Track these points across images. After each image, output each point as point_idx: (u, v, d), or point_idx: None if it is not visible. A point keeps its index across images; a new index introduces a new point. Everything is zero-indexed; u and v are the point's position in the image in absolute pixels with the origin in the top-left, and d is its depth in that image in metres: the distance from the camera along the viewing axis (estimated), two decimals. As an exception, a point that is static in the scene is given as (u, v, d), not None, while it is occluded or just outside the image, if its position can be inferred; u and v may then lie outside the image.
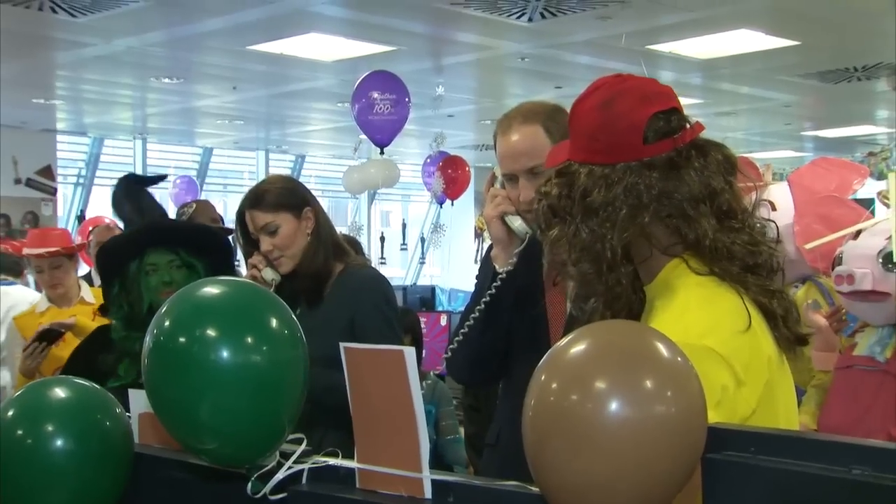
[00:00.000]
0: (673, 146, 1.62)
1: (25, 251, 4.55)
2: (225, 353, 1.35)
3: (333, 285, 2.72)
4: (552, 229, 1.67)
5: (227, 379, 1.35)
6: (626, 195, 1.60)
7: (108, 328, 2.78)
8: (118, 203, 2.79)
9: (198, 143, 14.56)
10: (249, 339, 1.38)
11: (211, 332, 1.37)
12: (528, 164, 2.22)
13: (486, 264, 2.39)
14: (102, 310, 2.86)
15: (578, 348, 1.19)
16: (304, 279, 2.68)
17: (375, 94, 7.60)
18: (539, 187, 1.73)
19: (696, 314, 1.55)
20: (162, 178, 3.08)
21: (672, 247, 1.63)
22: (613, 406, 1.11)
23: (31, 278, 5.56)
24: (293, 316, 1.46)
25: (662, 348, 1.19)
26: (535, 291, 2.33)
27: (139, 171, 13.70)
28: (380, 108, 7.57)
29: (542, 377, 1.19)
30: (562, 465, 1.14)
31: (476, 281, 2.46)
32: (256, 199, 2.73)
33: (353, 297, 2.67)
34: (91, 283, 4.84)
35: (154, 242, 2.69)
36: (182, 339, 1.37)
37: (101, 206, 14.10)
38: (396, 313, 2.80)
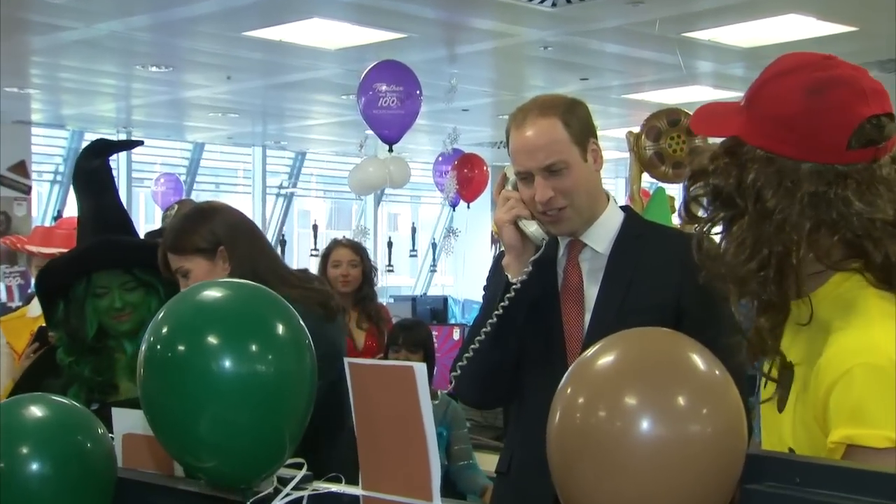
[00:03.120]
0: (874, 156, 1.50)
1: (30, 248, 4.57)
2: (227, 363, 1.36)
3: None
4: (716, 215, 1.57)
5: (229, 390, 1.36)
6: (811, 206, 1.49)
7: (54, 347, 2.76)
8: (80, 183, 2.72)
9: (188, 137, 14.60)
10: (254, 347, 1.39)
11: (212, 340, 1.38)
12: (546, 160, 2.23)
13: (496, 273, 2.40)
14: (40, 335, 2.83)
15: (606, 360, 1.20)
16: None
17: (382, 87, 7.61)
18: (698, 160, 1.61)
19: (883, 330, 1.46)
20: (138, 143, 3.00)
21: (843, 261, 1.53)
22: (644, 424, 1.12)
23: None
24: (301, 322, 1.46)
25: (699, 360, 1.19)
26: (550, 303, 2.33)
27: (123, 170, 13.77)
28: (385, 102, 7.59)
29: (568, 391, 1.20)
30: (589, 488, 1.14)
31: (485, 291, 2.46)
32: (169, 240, 2.70)
33: None
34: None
35: (101, 265, 2.66)
36: (181, 347, 1.39)
37: (81, 207, 14.15)
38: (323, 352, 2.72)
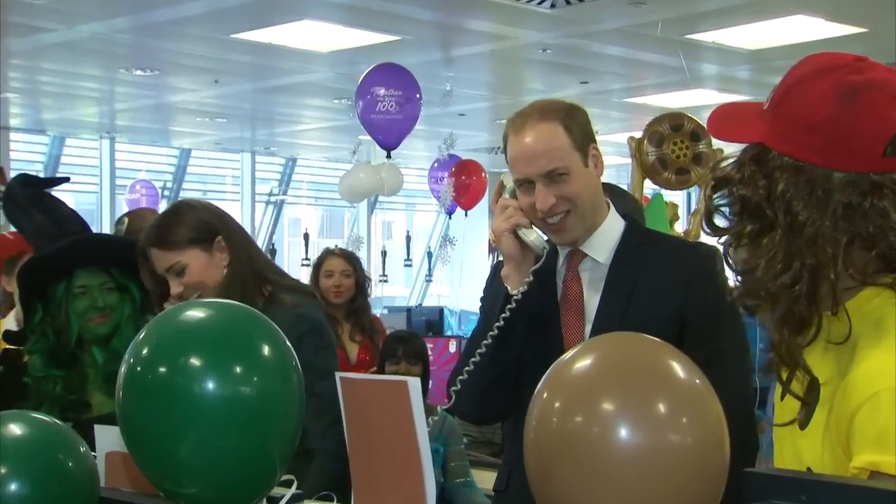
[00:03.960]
0: None
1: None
2: (210, 385, 1.36)
3: None
4: (744, 227, 1.53)
5: (212, 413, 1.36)
6: (845, 219, 1.45)
7: (20, 369, 2.73)
8: (20, 210, 2.71)
9: (174, 143, 14.61)
10: (238, 369, 1.39)
11: (195, 361, 1.38)
12: (547, 166, 2.23)
13: (493, 283, 2.40)
14: (9, 337, 2.81)
15: (583, 363, 1.21)
16: None
17: (380, 91, 7.63)
18: (722, 168, 1.57)
19: None
20: (63, 180, 3.02)
21: (875, 275, 1.50)
22: (622, 432, 1.13)
23: None
24: (287, 342, 1.46)
25: (678, 368, 1.20)
26: (550, 315, 2.33)
27: (107, 177, 13.76)
28: (384, 106, 7.60)
29: (545, 395, 1.21)
30: (568, 493, 1.16)
31: (482, 302, 2.46)
32: (157, 236, 2.64)
33: None
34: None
35: (85, 261, 2.67)
36: (162, 369, 1.39)
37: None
38: (321, 344, 2.69)
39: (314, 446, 2.41)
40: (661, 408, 1.15)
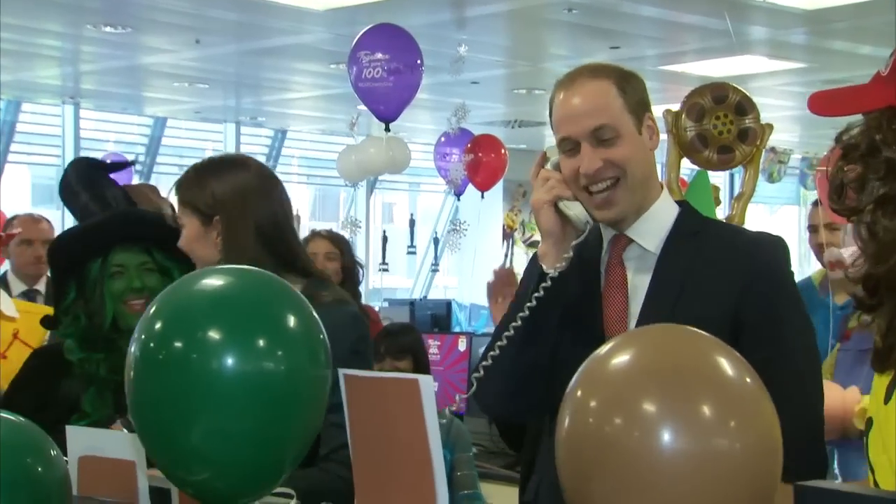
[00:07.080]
0: None
1: None
2: (230, 361, 1.39)
3: None
4: (890, 193, 1.55)
5: (232, 394, 1.38)
6: None
7: (59, 348, 2.82)
8: (71, 192, 2.83)
9: (147, 111, 14.60)
10: (261, 343, 1.41)
11: (214, 335, 1.40)
12: (594, 123, 2.24)
13: (535, 264, 2.39)
14: (46, 322, 2.90)
15: (622, 359, 1.23)
16: None
17: (373, 55, 7.57)
18: (848, 136, 1.62)
19: None
20: (129, 164, 3.09)
21: None
22: (665, 436, 1.15)
23: None
24: (315, 315, 1.49)
25: (726, 364, 1.21)
26: (591, 307, 2.33)
27: (70, 146, 13.77)
28: (369, 73, 7.56)
29: (579, 393, 1.24)
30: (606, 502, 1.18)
31: (519, 284, 2.48)
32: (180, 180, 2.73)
33: None
34: (8, 291, 4.87)
35: (122, 238, 2.75)
36: (177, 344, 1.41)
37: (18, 188, 14.13)
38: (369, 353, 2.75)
39: (322, 463, 2.43)
40: (707, 410, 1.16)
